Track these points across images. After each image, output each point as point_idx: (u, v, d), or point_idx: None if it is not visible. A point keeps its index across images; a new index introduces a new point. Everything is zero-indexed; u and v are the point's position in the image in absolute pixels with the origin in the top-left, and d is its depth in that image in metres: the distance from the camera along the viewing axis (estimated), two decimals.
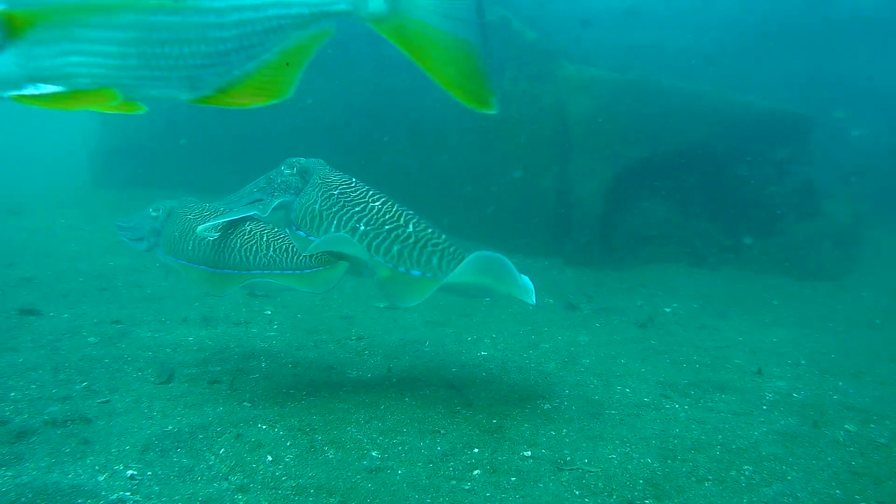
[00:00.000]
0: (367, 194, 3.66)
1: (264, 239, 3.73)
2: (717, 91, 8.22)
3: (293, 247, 3.70)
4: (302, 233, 3.63)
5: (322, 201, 3.61)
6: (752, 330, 5.49)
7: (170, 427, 3.11)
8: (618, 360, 4.41)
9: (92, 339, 4.24)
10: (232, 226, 3.83)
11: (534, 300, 3.35)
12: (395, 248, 3.48)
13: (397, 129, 8.81)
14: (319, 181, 3.72)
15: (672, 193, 8.05)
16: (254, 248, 3.71)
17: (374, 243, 3.47)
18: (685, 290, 6.82)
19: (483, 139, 8.25)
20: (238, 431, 3.11)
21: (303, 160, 3.86)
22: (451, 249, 3.54)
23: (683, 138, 7.88)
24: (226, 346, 4.32)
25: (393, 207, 3.61)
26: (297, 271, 3.68)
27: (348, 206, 3.58)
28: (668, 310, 6.02)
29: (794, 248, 7.83)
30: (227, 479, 2.70)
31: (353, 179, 3.78)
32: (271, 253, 3.68)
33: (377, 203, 3.60)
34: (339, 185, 3.69)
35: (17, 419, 3.08)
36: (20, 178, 12.89)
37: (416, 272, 3.52)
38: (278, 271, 3.67)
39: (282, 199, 3.72)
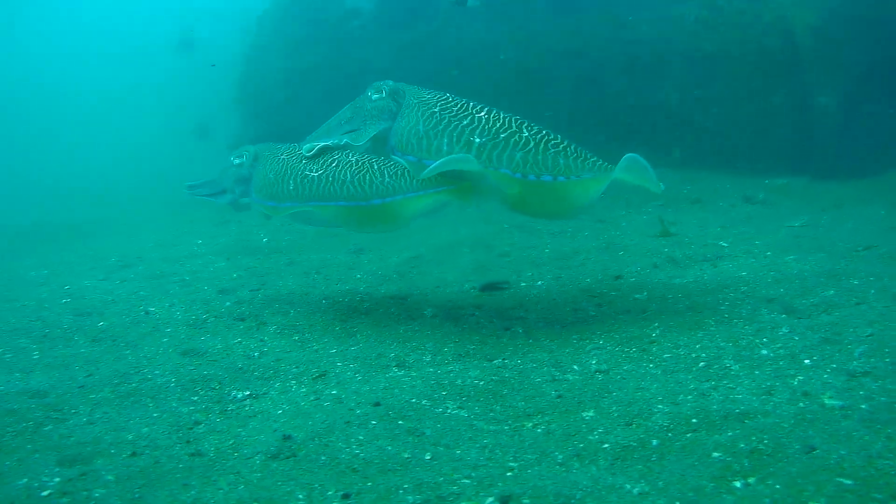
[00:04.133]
0: (468, 107, 3.39)
1: (374, 167, 3.49)
2: None
3: (408, 171, 3.44)
4: (412, 157, 3.40)
5: (425, 121, 3.36)
6: None
7: None
8: None
9: None
10: (333, 159, 3.57)
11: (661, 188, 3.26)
12: (518, 155, 3.24)
13: (609, 67, 8.82)
14: (415, 101, 3.45)
15: None
16: (367, 178, 3.46)
17: (495, 154, 3.24)
18: None
19: (707, 66, 8.10)
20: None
21: (391, 82, 3.59)
22: (572, 148, 3.29)
23: None
24: None
25: (500, 115, 3.35)
26: (421, 192, 3.43)
27: (454, 121, 3.32)
28: None
29: None
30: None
31: (448, 94, 3.49)
32: (388, 179, 3.46)
33: (482, 114, 3.34)
34: (438, 102, 3.42)
35: None
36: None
37: (547, 177, 3.28)
38: (401, 196, 3.45)
39: (379, 127, 3.51)
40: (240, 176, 3.80)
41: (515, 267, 4.84)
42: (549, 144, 3.26)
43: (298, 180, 3.53)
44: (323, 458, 2.34)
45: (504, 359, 3.21)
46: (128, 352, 3.60)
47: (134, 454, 2.49)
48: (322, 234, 5.94)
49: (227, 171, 3.86)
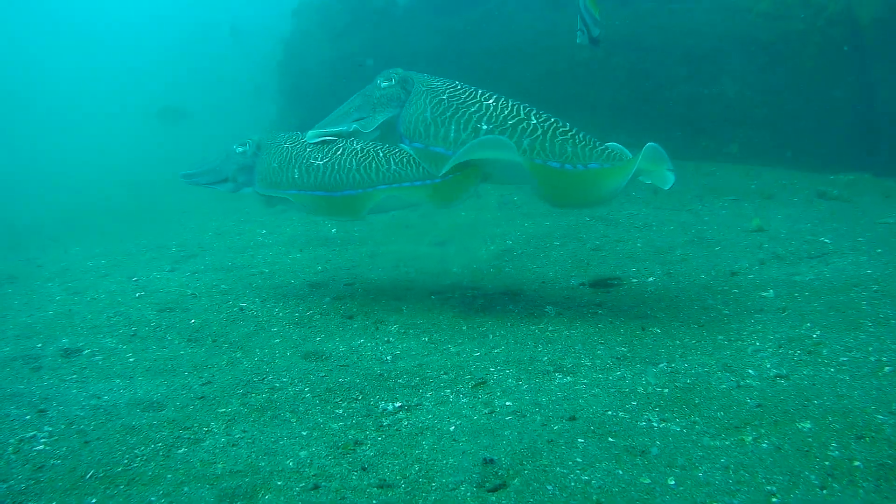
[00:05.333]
0: (476, 94, 3.34)
1: (380, 155, 3.44)
2: None
3: (414, 158, 3.39)
4: (419, 144, 3.34)
5: (432, 108, 3.31)
6: None
7: None
8: None
9: None
10: (338, 147, 3.53)
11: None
12: (525, 141, 3.18)
13: (665, 57, 8.56)
14: (424, 88, 3.40)
15: None
16: (373, 165, 3.41)
17: None
18: None
19: (768, 58, 7.87)
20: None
21: (400, 70, 3.55)
22: (581, 135, 3.24)
23: None
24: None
25: (508, 103, 3.30)
26: (427, 181, 3.36)
27: (462, 108, 3.28)
28: None
29: None
30: None
31: (457, 82, 3.44)
32: (393, 167, 3.40)
33: (490, 101, 3.30)
34: (446, 90, 3.38)
35: None
36: None
37: (554, 164, 3.21)
38: (407, 183, 3.37)
39: (388, 114, 3.46)
40: (243, 164, 3.75)
41: (614, 262, 4.58)
42: (558, 132, 3.21)
43: (303, 169, 3.48)
44: (549, 487, 2.03)
45: (669, 363, 2.92)
46: (238, 354, 3.27)
47: (316, 487, 2.13)
48: (392, 225, 5.66)
49: (229, 160, 3.78)
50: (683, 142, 7.85)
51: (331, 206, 3.47)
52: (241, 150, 3.75)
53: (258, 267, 4.86)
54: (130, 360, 3.30)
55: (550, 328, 3.36)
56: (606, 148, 3.30)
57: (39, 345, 3.51)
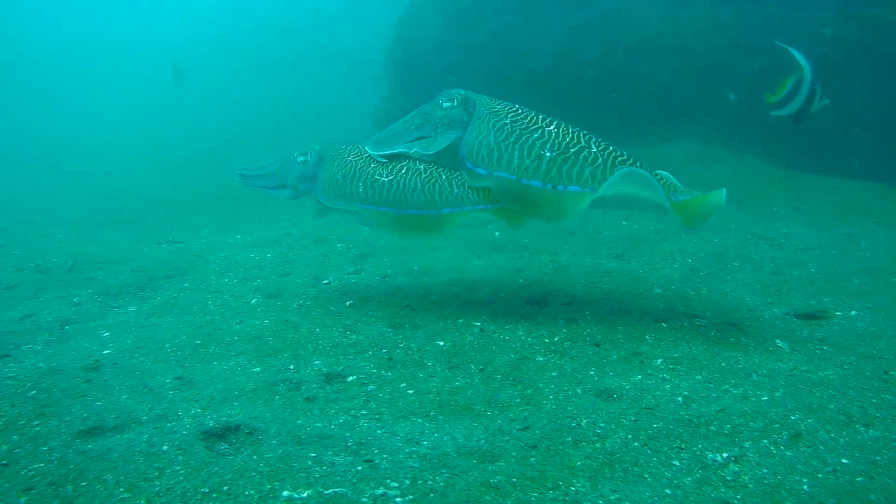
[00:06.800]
0: (539, 120, 3.33)
1: (443, 177, 3.50)
2: None
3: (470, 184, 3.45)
4: (482, 170, 3.34)
5: (495, 133, 3.31)
6: None
7: None
8: None
9: None
10: (403, 166, 3.55)
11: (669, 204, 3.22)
12: (588, 171, 3.19)
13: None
14: (486, 112, 3.38)
15: None
16: (437, 187, 3.47)
17: (565, 168, 3.23)
18: None
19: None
20: None
21: (462, 91, 3.51)
22: (638, 164, 3.25)
23: None
24: None
25: (569, 129, 3.29)
26: (489, 205, 3.44)
27: (525, 133, 3.28)
28: None
29: None
30: None
31: (517, 106, 3.41)
32: (456, 190, 3.46)
33: (552, 127, 3.29)
34: (508, 114, 3.36)
35: None
36: None
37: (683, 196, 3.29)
38: (469, 207, 3.45)
39: (451, 137, 3.44)
40: (304, 173, 3.78)
41: (800, 289, 4.58)
42: (616, 161, 3.25)
43: (368, 183, 3.53)
44: None
45: None
46: (529, 391, 2.99)
47: None
48: (555, 233, 5.70)
49: (288, 167, 3.81)
50: (806, 150, 7.81)
51: (399, 223, 3.56)
52: (302, 158, 3.79)
53: (448, 274, 4.69)
54: (410, 392, 3.00)
55: (803, 368, 3.38)
56: (662, 177, 3.34)
57: (291, 366, 3.19)
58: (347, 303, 4.13)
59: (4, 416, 2.76)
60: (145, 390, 2.98)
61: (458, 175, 3.50)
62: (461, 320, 3.87)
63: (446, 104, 3.49)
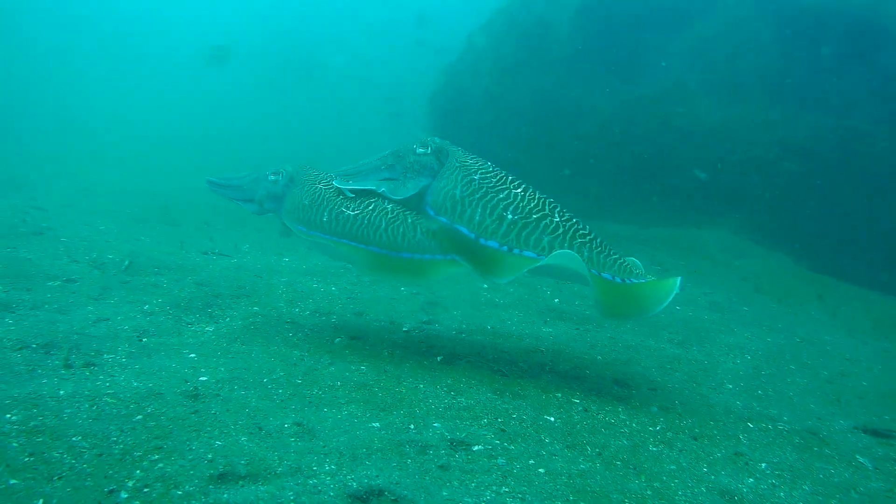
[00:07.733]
0: (507, 180, 3.36)
1: (408, 221, 3.48)
2: None
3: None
4: (444, 218, 3.35)
5: (462, 186, 3.33)
6: None
7: None
8: None
9: None
10: (370, 203, 3.55)
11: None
12: (546, 239, 3.20)
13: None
14: (457, 164, 3.40)
15: None
16: (401, 229, 3.46)
17: (524, 233, 3.23)
18: None
19: None
20: None
21: (438, 140, 3.54)
22: (597, 241, 3.26)
23: None
24: None
25: (535, 195, 3.32)
26: (447, 256, 3.40)
27: (491, 192, 3.30)
28: None
29: None
30: None
31: (489, 164, 3.46)
32: (419, 236, 3.44)
33: (519, 190, 3.32)
34: (479, 170, 3.39)
35: None
36: None
37: (606, 275, 3.26)
38: (429, 256, 3.40)
39: (420, 184, 3.46)
40: (272, 192, 3.80)
41: (857, 401, 4.61)
42: (577, 234, 3.25)
43: (333, 214, 3.53)
44: None
45: None
46: (657, 484, 2.87)
47: None
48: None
49: (259, 183, 3.82)
50: (835, 256, 7.92)
51: (358, 257, 3.53)
52: (273, 178, 3.80)
53: (523, 340, 4.50)
54: (541, 472, 2.84)
55: None
56: (623, 260, 3.32)
57: (412, 426, 3.01)
58: (438, 358, 4.00)
59: (119, 444, 2.57)
60: (264, 434, 2.81)
61: (423, 220, 3.48)
62: (559, 395, 3.78)
63: (420, 150, 3.50)
